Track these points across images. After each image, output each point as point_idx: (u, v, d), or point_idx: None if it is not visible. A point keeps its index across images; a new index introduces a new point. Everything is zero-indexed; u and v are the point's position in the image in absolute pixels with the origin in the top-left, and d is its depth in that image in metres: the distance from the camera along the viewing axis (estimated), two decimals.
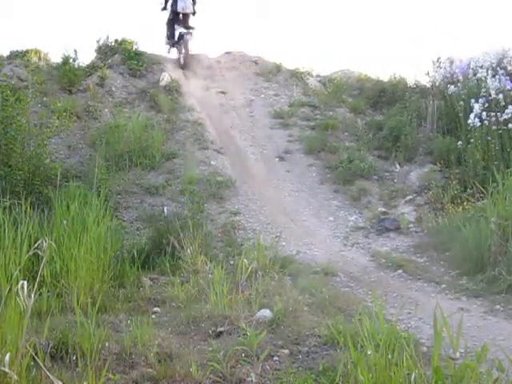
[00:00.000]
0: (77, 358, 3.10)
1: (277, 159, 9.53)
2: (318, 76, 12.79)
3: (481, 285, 5.20)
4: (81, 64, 11.07)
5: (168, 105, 10.41)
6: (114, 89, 10.78)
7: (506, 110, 7.69)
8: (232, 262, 5.87)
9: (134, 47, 12.19)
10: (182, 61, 12.26)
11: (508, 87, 8.16)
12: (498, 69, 8.73)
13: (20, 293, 2.53)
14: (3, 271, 3.70)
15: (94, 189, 6.02)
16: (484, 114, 7.84)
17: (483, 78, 8.63)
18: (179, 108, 10.52)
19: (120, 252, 5.64)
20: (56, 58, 11.55)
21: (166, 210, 7.24)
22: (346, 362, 2.86)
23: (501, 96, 7.96)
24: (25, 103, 6.98)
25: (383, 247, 6.87)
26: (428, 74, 10.53)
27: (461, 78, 9.47)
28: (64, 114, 8.65)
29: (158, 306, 4.74)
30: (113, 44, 12.16)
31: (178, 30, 12.09)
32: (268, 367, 3.34)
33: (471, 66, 9.40)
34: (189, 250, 5.50)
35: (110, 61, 11.56)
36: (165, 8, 12.41)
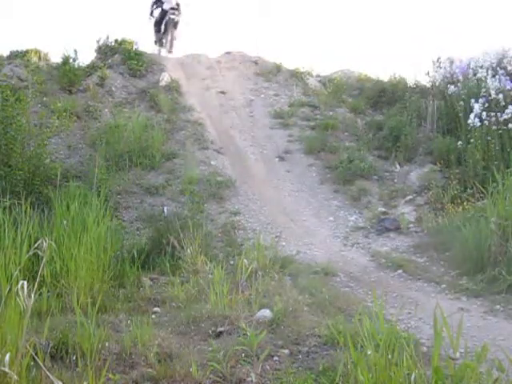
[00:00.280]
0: (77, 358, 3.10)
1: (277, 159, 9.53)
2: (318, 76, 12.79)
3: (481, 285, 5.19)
4: (81, 64, 11.09)
5: (168, 105, 10.41)
6: (114, 89, 10.79)
7: (506, 110, 7.69)
8: (232, 262, 5.87)
9: (134, 47, 12.21)
10: (167, 44, 12.40)
11: (508, 87, 8.16)
12: (498, 69, 8.73)
13: (20, 293, 2.53)
14: (3, 271, 3.70)
15: (93, 189, 6.02)
16: (484, 113, 7.84)
17: (483, 78, 8.63)
18: (179, 108, 10.53)
19: (120, 252, 5.64)
20: (56, 58, 11.61)
21: (165, 210, 7.24)
22: (346, 362, 2.85)
23: (501, 96, 7.96)
24: (25, 103, 6.98)
25: (383, 247, 6.87)
26: (428, 73, 10.55)
27: (461, 77, 9.47)
28: (64, 114, 8.65)
29: (158, 306, 4.74)
30: (113, 44, 12.18)
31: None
32: (268, 367, 3.34)
33: (471, 66, 9.40)
34: (189, 250, 5.50)
35: (110, 61, 11.57)
36: (151, 14, 12.86)
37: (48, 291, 4.40)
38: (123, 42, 12.16)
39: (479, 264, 5.47)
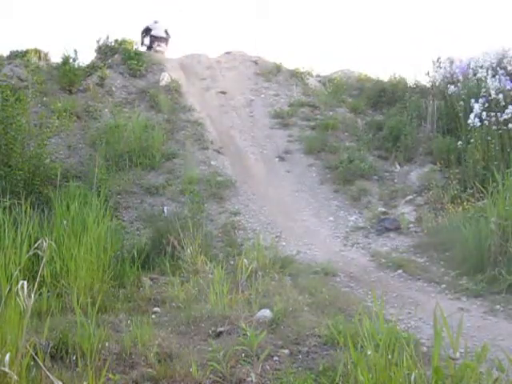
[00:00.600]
0: (77, 358, 3.10)
1: (277, 159, 9.53)
2: (318, 76, 12.80)
3: (481, 285, 5.19)
4: (81, 64, 11.10)
5: (168, 105, 10.41)
6: (114, 89, 10.79)
7: (506, 110, 7.69)
8: (232, 262, 5.87)
9: (134, 47, 12.23)
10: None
11: (508, 87, 8.16)
12: (498, 69, 8.74)
13: (20, 293, 2.53)
14: (3, 271, 3.70)
15: (94, 189, 6.02)
16: (484, 113, 7.84)
17: (483, 78, 8.63)
18: (179, 108, 10.53)
19: (120, 252, 5.64)
20: (56, 58, 11.62)
21: (166, 210, 7.25)
22: (346, 362, 2.85)
23: (501, 96, 7.96)
24: (25, 103, 6.99)
25: (383, 247, 6.87)
26: (428, 74, 10.56)
27: (461, 77, 9.48)
28: (64, 114, 8.66)
29: (158, 306, 4.73)
30: (113, 44, 12.19)
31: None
32: (268, 367, 3.34)
33: (471, 66, 9.40)
34: (189, 250, 5.50)
35: (110, 61, 11.58)
36: (142, 43, 13.30)
37: (48, 291, 4.39)
38: (123, 42, 12.18)
39: (479, 264, 5.47)
